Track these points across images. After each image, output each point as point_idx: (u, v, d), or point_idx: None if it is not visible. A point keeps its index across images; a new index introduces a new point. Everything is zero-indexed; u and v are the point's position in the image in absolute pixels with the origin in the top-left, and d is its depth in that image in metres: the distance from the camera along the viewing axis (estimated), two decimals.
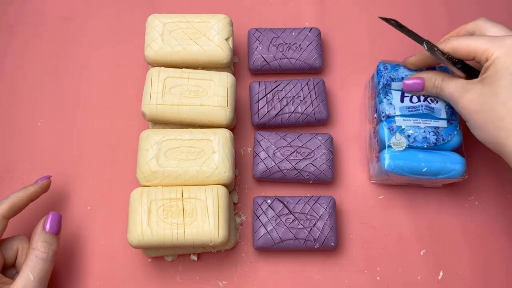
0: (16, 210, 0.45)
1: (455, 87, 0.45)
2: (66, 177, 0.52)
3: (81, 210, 0.51)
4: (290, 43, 0.55)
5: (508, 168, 0.50)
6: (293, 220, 0.48)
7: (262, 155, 0.50)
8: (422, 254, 0.49)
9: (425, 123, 0.48)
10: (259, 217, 0.48)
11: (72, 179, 0.52)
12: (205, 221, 0.45)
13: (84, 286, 0.48)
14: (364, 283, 0.49)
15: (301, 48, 0.55)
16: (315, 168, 0.50)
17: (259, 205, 0.48)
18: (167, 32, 0.52)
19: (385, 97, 0.49)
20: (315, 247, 0.47)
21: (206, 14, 0.53)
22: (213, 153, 0.46)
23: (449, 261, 0.49)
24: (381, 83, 0.50)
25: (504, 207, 0.51)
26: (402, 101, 0.49)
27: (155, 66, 0.51)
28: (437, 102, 0.49)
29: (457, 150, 0.48)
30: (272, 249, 0.48)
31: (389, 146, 0.47)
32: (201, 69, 0.52)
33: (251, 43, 0.55)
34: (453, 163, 0.47)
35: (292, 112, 0.52)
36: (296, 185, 0.52)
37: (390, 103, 0.49)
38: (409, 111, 0.48)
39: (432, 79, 0.47)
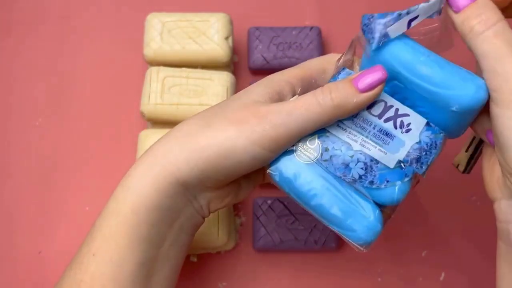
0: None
1: None
2: (64, 177, 0.52)
3: (80, 211, 0.51)
4: (290, 42, 0.55)
5: None
6: (293, 221, 0.47)
7: None
8: (423, 255, 0.49)
9: (363, 145, 0.33)
10: (259, 218, 0.48)
11: (70, 179, 0.52)
12: (204, 222, 0.44)
13: None
14: (365, 284, 0.48)
15: (302, 47, 0.55)
16: None
17: (259, 206, 0.48)
18: (166, 31, 0.51)
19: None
20: (316, 248, 0.47)
21: (205, 13, 0.53)
22: None
23: (451, 262, 0.49)
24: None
25: None
26: None
27: (154, 65, 0.51)
28: (408, 131, 0.33)
29: (385, 209, 0.34)
30: (272, 250, 0.48)
31: (291, 150, 0.33)
32: (201, 68, 0.51)
33: (251, 42, 0.55)
34: (358, 220, 0.33)
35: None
36: None
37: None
38: (353, 123, 0.33)
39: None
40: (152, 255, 0.34)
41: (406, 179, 0.33)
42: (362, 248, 0.34)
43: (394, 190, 0.33)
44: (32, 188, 0.51)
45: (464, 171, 0.37)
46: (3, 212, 0.50)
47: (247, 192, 0.39)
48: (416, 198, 0.51)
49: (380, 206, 0.34)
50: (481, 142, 0.37)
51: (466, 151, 0.38)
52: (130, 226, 0.33)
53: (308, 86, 0.36)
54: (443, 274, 0.49)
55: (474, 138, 0.38)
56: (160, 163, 0.33)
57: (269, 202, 0.48)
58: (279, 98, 0.35)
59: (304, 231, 0.47)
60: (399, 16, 0.32)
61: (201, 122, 0.34)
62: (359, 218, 0.33)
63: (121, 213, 0.33)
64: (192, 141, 0.33)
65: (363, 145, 0.33)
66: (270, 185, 0.51)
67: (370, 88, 0.32)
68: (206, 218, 0.45)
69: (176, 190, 0.34)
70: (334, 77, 0.35)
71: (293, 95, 0.35)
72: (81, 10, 0.59)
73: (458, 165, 0.38)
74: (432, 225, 0.50)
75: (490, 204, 0.51)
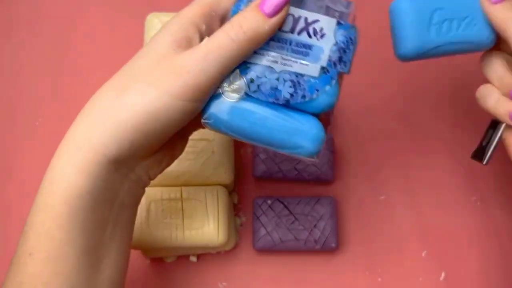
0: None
1: None
2: None
3: None
4: None
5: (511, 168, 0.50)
6: (293, 221, 0.47)
7: (262, 155, 0.50)
8: (423, 255, 0.49)
9: (284, 63, 0.33)
10: (259, 218, 0.48)
11: None
12: (204, 222, 0.45)
13: None
14: (365, 284, 0.48)
15: None
16: (316, 168, 0.49)
17: (259, 206, 0.48)
18: None
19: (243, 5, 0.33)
20: (316, 248, 0.47)
21: None
22: (213, 153, 0.46)
23: (451, 262, 0.49)
24: None
25: (507, 208, 0.51)
26: None
27: None
28: (323, 36, 0.33)
29: (325, 114, 0.35)
30: (272, 250, 0.48)
31: (218, 94, 0.33)
32: None
33: None
34: (302, 136, 0.33)
35: None
36: (297, 185, 0.51)
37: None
38: (270, 46, 0.33)
39: None
40: (96, 242, 0.32)
41: (333, 81, 0.33)
42: (314, 159, 0.34)
43: (326, 96, 0.33)
44: (32, 188, 0.51)
45: (483, 162, 0.40)
46: (3, 212, 0.50)
47: (182, 148, 0.38)
48: (416, 198, 0.51)
49: (318, 114, 0.34)
50: (496, 133, 0.40)
51: (482, 144, 0.41)
52: (64, 218, 0.31)
53: (210, 20, 0.33)
54: (443, 274, 0.49)
55: (487, 131, 0.41)
56: (84, 146, 0.31)
57: (269, 202, 0.48)
58: (187, 42, 0.32)
59: (304, 231, 0.47)
60: None
61: (116, 91, 0.32)
62: (302, 134, 0.33)
63: (52, 207, 0.31)
64: (113, 114, 0.31)
65: (284, 64, 0.33)
66: (270, 185, 0.52)
67: (277, 9, 0.31)
68: (206, 218, 0.45)
69: (108, 169, 0.32)
70: (236, 5, 0.33)
71: (200, 35, 0.33)
72: (81, 11, 0.59)
73: (475, 157, 0.41)
74: (432, 225, 0.50)
75: (490, 204, 0.51)
